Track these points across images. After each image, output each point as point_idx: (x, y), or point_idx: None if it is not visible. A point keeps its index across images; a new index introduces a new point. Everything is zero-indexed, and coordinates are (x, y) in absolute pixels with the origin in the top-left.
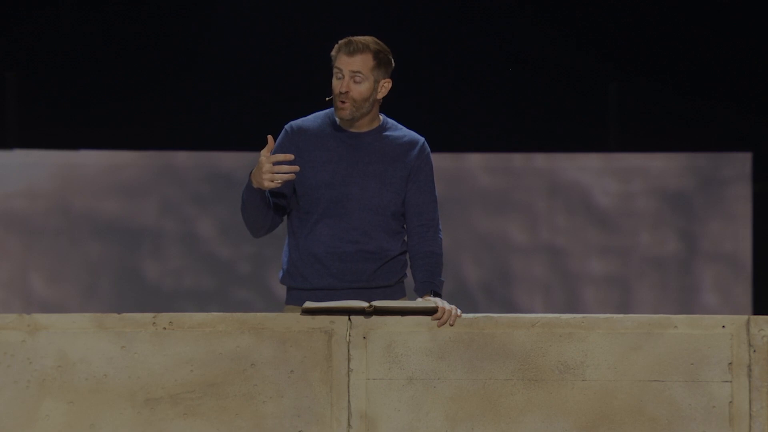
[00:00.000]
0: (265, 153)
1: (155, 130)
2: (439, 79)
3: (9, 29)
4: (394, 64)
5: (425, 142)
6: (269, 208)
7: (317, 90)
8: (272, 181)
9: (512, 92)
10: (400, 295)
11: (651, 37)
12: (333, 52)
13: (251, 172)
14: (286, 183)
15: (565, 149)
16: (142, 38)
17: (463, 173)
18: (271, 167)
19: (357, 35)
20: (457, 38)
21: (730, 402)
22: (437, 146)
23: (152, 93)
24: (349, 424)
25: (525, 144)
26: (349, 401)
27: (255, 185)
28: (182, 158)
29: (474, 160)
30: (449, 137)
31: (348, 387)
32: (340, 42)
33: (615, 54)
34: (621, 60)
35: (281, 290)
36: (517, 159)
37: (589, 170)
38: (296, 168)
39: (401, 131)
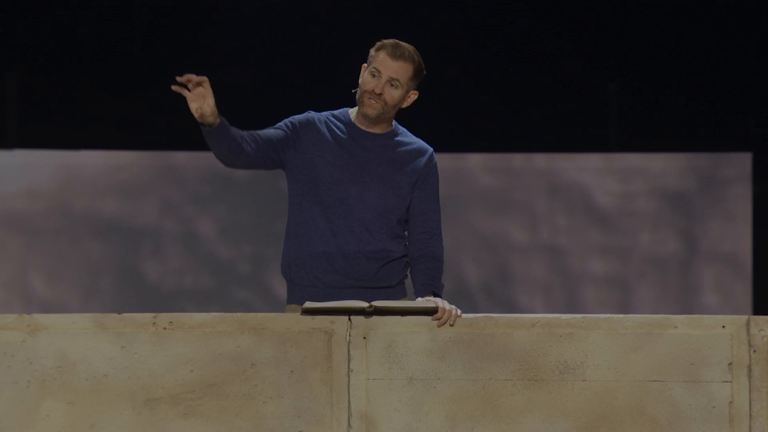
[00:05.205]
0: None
1: (155, 130)
2: (440, 79)
3: (9, 29)
4: (424, 77)
5: (433, 152)
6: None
7: (317, 90)
8: (199, 107)
9: (512, 92)
10: (402, 295)
11: (651, 38)
12: (373, 50)
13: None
14: (272, 142)
15: (565, 149)
16: (142, 38)
17: (463, 173)
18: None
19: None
20: (457, 38)
21: (730, 402)
22: (437, 146)
23: (152, 93)
24: (349, 425)
25: (525, 144)
26: (349, 401)
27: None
28: (182, 158)
29: (474, 160)
30: (449, 137)
31: (348, 387)
32: (385, 42)
33: (615, 54)
34: (621, 60)
35: (281, 290)
36: (517, 159)
37: (589, 170)
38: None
39: (411, 138)
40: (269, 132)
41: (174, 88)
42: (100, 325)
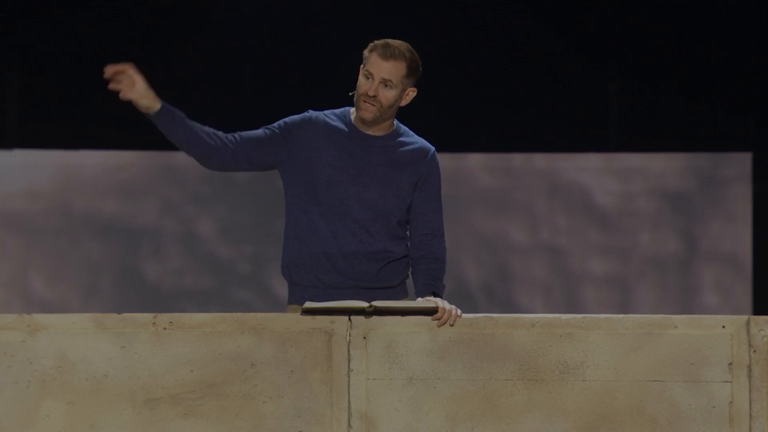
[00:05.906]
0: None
1: (155, 130)
2: (440, 79)
3: (9, 29)
4: (420, 72)
5: (435, 152)
6: (184, 132)
7: (317, 90)
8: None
9: (512, 92)
10: (403, 295)
11: (651, 38)
12: (366, 51)
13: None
14: (260, 151)
15: (565, 149)
16: (142, 38)
17: (463, 173)
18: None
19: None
20: (457, 38)
21: (730, 402)
22: (437, 146)
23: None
24: (349, 425)
25: (525, 144)
26: (349, 401)
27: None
28: (182, 158)
29: (474, 160)
30: (449, 137)
31: (348, 387)
32: (376, 42)
33: (615, 54)
34: (621, 60)
35: (281, 290)
36: (517, 159)
37: (589, 170)
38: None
39: (413, 138)
40: (254, 132)
41: (111, 87)
42: (100, 325)
